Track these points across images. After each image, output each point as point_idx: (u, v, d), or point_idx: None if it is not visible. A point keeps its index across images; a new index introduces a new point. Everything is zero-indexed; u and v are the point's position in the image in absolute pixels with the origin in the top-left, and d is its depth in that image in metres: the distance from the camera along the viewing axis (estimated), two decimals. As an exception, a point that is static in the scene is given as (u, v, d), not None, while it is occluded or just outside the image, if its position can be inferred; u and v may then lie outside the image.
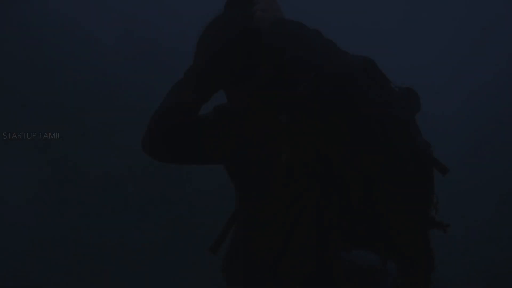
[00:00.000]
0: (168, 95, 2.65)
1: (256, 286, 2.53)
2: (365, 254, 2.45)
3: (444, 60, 7.57)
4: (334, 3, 7.69)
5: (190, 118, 2.58)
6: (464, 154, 7.05)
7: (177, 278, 5.95)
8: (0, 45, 7.10)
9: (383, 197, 2.40)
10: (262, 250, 2.52)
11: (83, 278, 5.95)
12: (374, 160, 2.41)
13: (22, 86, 7.14)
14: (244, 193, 2.61)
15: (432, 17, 7.81)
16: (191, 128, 2.58)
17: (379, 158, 2.41)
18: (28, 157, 6.94)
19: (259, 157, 2.53)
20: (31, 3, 7.23)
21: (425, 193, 2.48)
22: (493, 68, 7.63)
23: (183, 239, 6.48)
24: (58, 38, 7.16)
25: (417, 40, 7.61)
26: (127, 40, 7.40)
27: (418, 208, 2.45)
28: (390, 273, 2.45)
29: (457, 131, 7.12)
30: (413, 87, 2.67)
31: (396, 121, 2.47)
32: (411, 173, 2.43)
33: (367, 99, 2.42)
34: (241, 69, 2.51)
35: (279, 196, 2.49)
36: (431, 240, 2.50)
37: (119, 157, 7.03)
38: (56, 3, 7.27)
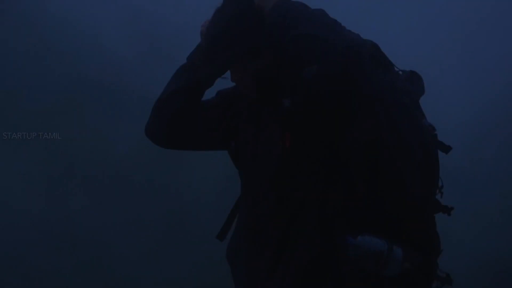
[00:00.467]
0: (171, 79, 2.67)
1: (260, 272, 2.52)
2: (372, 239, 2.43)
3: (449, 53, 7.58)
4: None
5: (192, 102, 2.60)
6: (466, 147, 7.07)
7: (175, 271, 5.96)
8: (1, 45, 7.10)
9: (388, 180, 2.40)
10: (266, 235, 2.50)
11: (81, 275, 5.96)
12: (379, 143, 2.40)
13: (22, 87, 7.12)
14: (247, 177, 2.59)
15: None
16: (193, 111, 2.61)
17: (384, 140, 2.41)
18: (27, 156, 6.92)
19: (261, 141, 2.53)
20: (29, 1, 7.22)
21: (431, 175, 2.48)
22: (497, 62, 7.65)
23: (181, 234, 6.47)
24: (58, 36, 7.15)
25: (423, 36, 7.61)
26: (128, 36, 7.39)
27: (424, 191, 2.45)
28: (397, 258, 2.44)
29: (460, 124, 7.14)
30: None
31: (400, 104, 2.48)
32: (416, 155, 2.44)
33: (372, 82, 2.40)
34: (244, 48, 2.49)
35: (282, 180, 2.48)
36: (436, 224, 2.50)
37: (119, 155, 7.02)
38: (56, 2, 7.26)
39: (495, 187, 7.05)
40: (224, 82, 2.67)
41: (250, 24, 2.44)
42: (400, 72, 2.63)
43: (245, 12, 2.44)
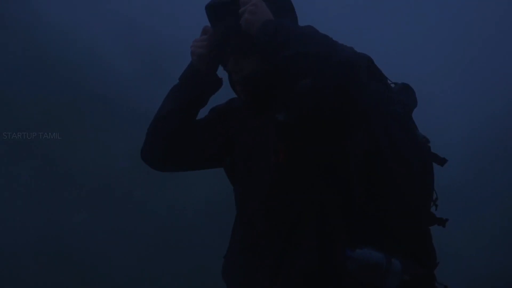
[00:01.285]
0: (164, 101, 2.66)
1: (259, 286, 2.49)
2: (370, 252, 2.41)
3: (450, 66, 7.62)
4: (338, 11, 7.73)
5: (186, 123, 2.60)
6: (468, 160, 7.08)
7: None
8: (1, 47, 7.12)
9: (384, 190, 2.39)
10: (264, 250, 2.48)
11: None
12: (374, 153, 2.40)
13: (22, 87, 7.14)
14: (242, 192, 2.57)
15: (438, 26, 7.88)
16: (187, 132, 2.61)
17: (380, 150, 2.41)
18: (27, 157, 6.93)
19: (255, 155, 2.51)
20: (31, 6, 7.25)
21: (426, 186, 2.47)
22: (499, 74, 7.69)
23: (176, 243, 6.48)
24: (57, 42, 7.18)
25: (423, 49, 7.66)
26: (126, 43, 7.42)
27: (419, 201, 2.45)
28: (396, 270, 2.42)
29: (461, 135, 7.17)
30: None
31: (394, 114, 2.47)
32: (411, 165, 2.43)
33: (366, 93, 2.39)
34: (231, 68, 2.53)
35: (276, 194, 2.46)
36: (432, 237, 2.50)
37: (111, 159, 7.03)
38: (56, 8, 7.29)
39: (498, 200, 7.07)
40: (218, 99, 2.68)
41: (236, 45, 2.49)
42: (393, 85, 2.63)
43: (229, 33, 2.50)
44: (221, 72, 2.67)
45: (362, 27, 7.48)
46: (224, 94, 2.71)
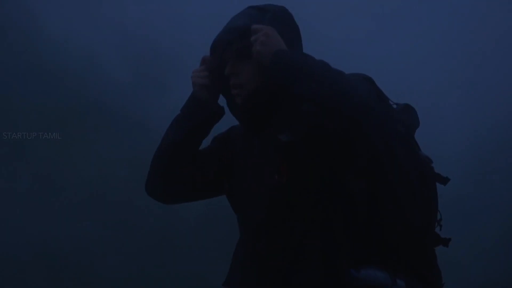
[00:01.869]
0: (167, 132, 2.65)
1: None
2: (375, 272, 2.41)
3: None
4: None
5: (188, 155, 2.59)
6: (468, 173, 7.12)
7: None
8: (1, 49, 7.13)
9: (388, 209, 2.39)
10: (268, 271, 2.46)
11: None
12: (378, 173, 2.39)
13: (22, 87, 7.16)
14: (243, 215, 2.56)
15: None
16: (190, 163, 2.60)
17: (383, 170, 2.40)
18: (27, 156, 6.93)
19: (256, 176, 2.50)
20: (32, 14, 7.27)
21: (429, 206, 2.47)
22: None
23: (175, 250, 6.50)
24: (56, 50, 7.20)
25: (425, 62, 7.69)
26: (123, 52, 7.43)
27: (423, 221, 2.44)
28: None
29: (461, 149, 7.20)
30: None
31: (397, 134, 2.47)
32: (414, 185, 2.43)
33: (372, 115, 2.37)
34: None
35: (280, 216, 2.44)
36: (437, 256, 2.49)
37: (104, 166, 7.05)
38: (55, 16, 7.30)
39: (496, 210, 7.09)
40: (220, 127, 2.68)
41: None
42: (395, 106, 2.63)
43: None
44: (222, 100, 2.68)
45: (363, 40, 7.51)
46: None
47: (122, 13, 7.40)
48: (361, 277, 2.38)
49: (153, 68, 7.41)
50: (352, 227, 2.40)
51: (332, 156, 2.37)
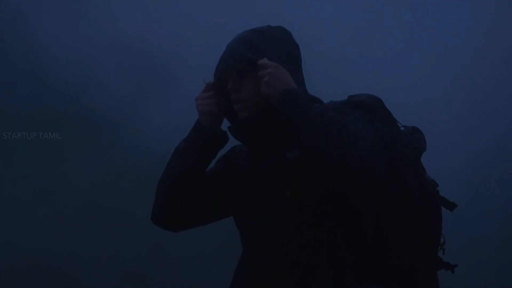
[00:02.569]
0: (170, 163, 2.63)
1: None
2: None
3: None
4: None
5: (192, 184, 2.58)
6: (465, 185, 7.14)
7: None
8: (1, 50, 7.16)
9: (393, 230, 2.40)
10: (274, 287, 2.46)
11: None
12: (383, 194, 2.40)
13: (21, 88, 7.19)
14: (248, 234, 2.55)
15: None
16: (196, 192, 2.59)
17: (389, 191, 2.41)
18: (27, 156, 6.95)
19: (263, 193, 2.49)
20: (30, 25, 7.31)
21: (434, 228, 2.47)
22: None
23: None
24: (54, 59, 7.23)
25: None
26: (120, 63, 7.46)
27: (427, 243, 2.44)
28: None
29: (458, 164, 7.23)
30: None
31: (404, 156, 2.47)
32: (419, 207, 2.43)
33: (379, 138, 2.41)
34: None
35: (289, 233, 2.43)
36: (439, 279, 2.50)
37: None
38: (53, 34, 7.33)
39: (496, 222, 7.11)
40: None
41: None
42: (402, 128, 2.62)
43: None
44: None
45: (358, 54, 7.55)
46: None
47: (119, 23, 7.44)
48: None
49: (149, 79, 7.46)
50: (358, 246, 2.41)
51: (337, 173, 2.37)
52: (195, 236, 6.66)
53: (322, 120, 2.34)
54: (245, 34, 2.55)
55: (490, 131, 7.43)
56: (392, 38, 7.71)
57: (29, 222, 6.59)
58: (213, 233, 6.17)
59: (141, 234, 6.72)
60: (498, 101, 7.55)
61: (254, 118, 2.49)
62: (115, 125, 7.16)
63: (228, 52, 2.54)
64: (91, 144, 7.06)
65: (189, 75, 7.14)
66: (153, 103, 7.28)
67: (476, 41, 7.73)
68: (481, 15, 7.78)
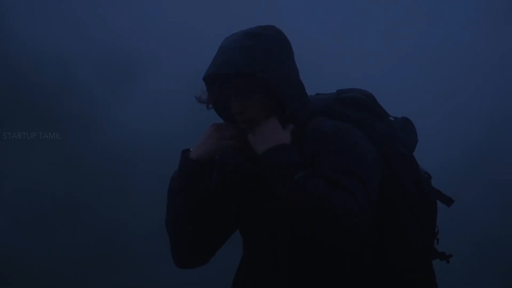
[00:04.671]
0: (173, 203, 2.53)
1: None
2: None
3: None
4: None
5: (202, 218, 2.52)
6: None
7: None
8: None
9: (391, 231, 2.43)
10: None
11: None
12: (381, 195, 2.41)
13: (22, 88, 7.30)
14: (253, 239, 2.55)
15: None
16: (210, 220, 2.53)
17: (386, 192, 2.43)
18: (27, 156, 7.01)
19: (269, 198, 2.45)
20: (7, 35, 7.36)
21: (431, 225, 2.49)
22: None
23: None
24: (31, 59, 7.27)
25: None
26: (101, 69, 7.47)
27: (425, 242, 2.48)
28: None
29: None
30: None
31: (399, 155, 2.49)
32: (417, 206, 2.45)
33: (373, 132, 2.46)
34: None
35: (297, 239, 2.44)
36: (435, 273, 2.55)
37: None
38: (32, 27, 7.36)
39: (476, 229, 7.15)
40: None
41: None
42: (392, 119, 2.61)
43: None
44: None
45: (340, 58, 7.55)
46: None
47: (102, 26, 7.41)
48: None
49: (119, 78, 7.40)
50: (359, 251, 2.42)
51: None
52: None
53: (301, 193, 2.29)
54: (237, 38, 2.47)
55: (465, 142, 7.38)
56: (373, 47, 7.73)
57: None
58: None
59: (129, 234, 6.79)
60: (474, 111, 7.52)
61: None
62: (89, 127, 7.16)
63: (219, 56, 2.45)
64: (63, 144, 7.06)
65: (168, 79, 7.28)
66: (118, 102, 7.23)
67: (455, 52, 7.71)
68: (470, 15, 7.75)
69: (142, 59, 7.38)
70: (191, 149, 2.53)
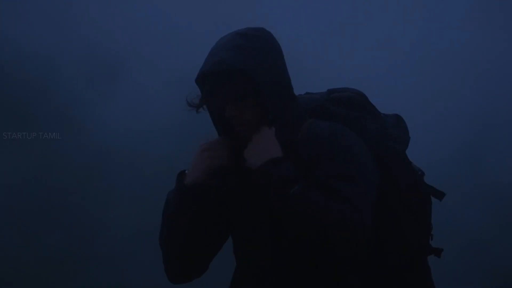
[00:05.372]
0: (166, 223, 2.49)
1: None
2: None
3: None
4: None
5: (198, 234, 2.48)
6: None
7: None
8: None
9: (388, 231, 2.43)
10: None
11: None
12: (380, 198, 2.40)
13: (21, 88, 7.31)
14: (244, 245, 2.54)
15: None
16: (204, 237, 2.50)
17: (382, 191, 2.42)
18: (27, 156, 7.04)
19: (258, 218, 2.47)
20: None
21: (426, 222, 2.50)
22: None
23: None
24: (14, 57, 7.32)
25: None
26: (85, 69, 7.47)
27: (421, 239, 2.48)
28: None
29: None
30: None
31: (393, 152, 2.49)
32: (412, 204, 2.46)
33: (366, 132, 2.47)
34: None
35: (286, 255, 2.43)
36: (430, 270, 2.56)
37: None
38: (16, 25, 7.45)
39: (462, 229, 7.18)
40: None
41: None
42: (385, 118, 2.60)
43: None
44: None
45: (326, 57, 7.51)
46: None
47: (86, 25, 7.43)
48: None
49: (114, 83, 7.39)
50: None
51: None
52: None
53: (298, 208, 2.28)
54: (230, 38, 2.45)
55: (451, 146, 7.41)
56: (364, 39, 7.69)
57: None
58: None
59: (112, 234, 6.84)
60: (459, 114, 7.55)
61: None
62: (73, 128, 7.16)
63: (212, 55, 2.42)
64: (48, 143, 7.03)
65: (142, 75, 7.31)
66: (103, 102, 7.25)
67: (439, 54, 7.74)
68: (465, 15, 7.76)
69: (127, 59, 7.36)
70: (186, 171, 2.47)
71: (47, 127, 7.09)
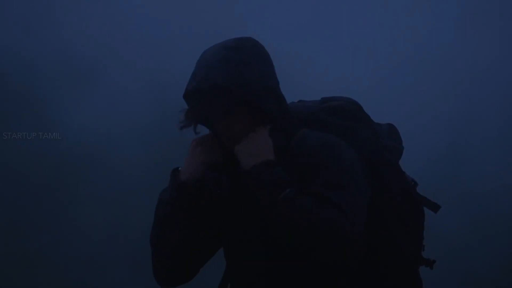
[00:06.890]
0: (158, 223, 2.47)
1: None
2: None
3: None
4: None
5: (188, 235, 2.46)
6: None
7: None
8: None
9: (381, 240, 2.42)
10: None
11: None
12: (370, 204, 2.39)
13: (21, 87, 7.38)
14: (236, 252, 2.53)
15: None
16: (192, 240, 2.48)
17: (376, 201, 2.42)
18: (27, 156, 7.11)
19: (250, 221, 2.46)
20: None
21: (419, 232, 2.50)
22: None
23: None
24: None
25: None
26: (65, 64, 7.57)
27: (414, 249, 2.48)
28: None
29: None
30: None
31: (387, 163, 2.49)
32: (405, 214, 2.45)
33: (360, 141, 2.46)
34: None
35: (278, 252, 2.42)
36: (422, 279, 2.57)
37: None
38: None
39: (438, 241, 7.26)
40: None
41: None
42: (379, 127, 2.59)
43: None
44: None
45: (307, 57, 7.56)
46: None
47: (65, 28, 7.46)
48: None
49: (85, 83, 7.45)
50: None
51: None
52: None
53: (287, 213, 2.27)
54: (217, 50, 2.42)
55: (436, 151, 7.52)
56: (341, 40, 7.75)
57: None
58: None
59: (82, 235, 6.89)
60: (442, 120, 7.65)
61: None
62: (52, 127, 7.18)
63: (199, 70, 2.39)
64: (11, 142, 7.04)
65: (114, 76, 7.38)
66: (74, 102, 7.28)
67: (424, 56, 7.85)
68: (453, 20, 7.91)
69: (103, 60, 7.39)
70: (180, 169, 2.47)
71: (25, 128, 7.14)
